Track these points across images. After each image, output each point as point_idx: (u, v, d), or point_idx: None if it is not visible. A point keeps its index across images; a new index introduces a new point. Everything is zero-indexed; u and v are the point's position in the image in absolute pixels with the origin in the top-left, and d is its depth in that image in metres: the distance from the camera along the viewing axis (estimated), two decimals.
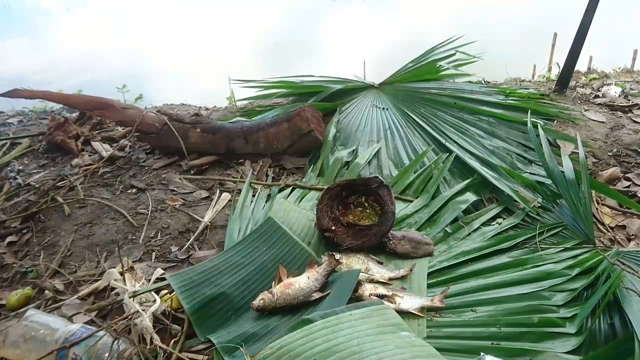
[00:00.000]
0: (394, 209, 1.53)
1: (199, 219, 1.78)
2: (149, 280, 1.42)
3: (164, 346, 1.16)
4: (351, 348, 0.90)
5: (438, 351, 0.97)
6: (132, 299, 1.27)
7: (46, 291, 1.44)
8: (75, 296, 1.40)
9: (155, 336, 1.19)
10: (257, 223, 1.66)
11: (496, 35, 5.10)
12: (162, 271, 1.48)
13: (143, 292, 1.30)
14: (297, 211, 1.69)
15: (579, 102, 2.78)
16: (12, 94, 2.25)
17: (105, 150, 2.38)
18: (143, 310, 1.24)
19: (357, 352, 0.88)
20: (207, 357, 1.17)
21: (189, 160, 2.20)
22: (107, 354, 1.10)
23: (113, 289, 1.39)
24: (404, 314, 1.17)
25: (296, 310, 1.22)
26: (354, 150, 2.19)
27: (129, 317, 1.22)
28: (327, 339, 0.93)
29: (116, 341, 1.12)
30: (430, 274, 1.41)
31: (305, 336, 0.97)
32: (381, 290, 1.27)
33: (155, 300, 1.27)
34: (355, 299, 1.24)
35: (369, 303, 1.08)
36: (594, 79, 3.28)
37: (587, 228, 1.60)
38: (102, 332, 1.15)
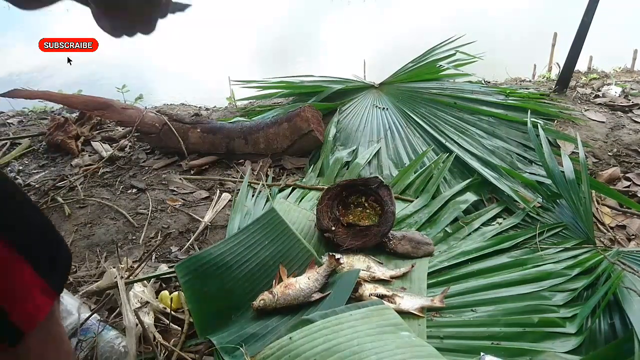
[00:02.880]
0: (394, 209, 1.53)
1: (199, 219, 1.78)
2: (148, 281, 1.42)
3: (166, 343, 1.16)
4: (351, 348, 0.90)
5: (438, 351, 0.97)
6: (129, 288, 1.27)
7: None
8: (78, 295, 1.40)
9: (158, 334, 1.19)
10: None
11: (496, 35, 5.09)
12: (166, 268, 1.47)
13: (141, 280, 1.30)
14: (297, 211, 1.69)
15: (579, 102, 2.78)
16: (12, 94, 2.25)
17: (105, 150, 2.38)
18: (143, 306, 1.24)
19: (357, 352, 0.88)
20: (207, 357, 1.17)
21: (189, 161, 2.21)
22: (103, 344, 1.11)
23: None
24: (404, 314, 1.17)
25: (296, 310, 1.22)
26: (354, 150, 2.19)
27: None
28: (327, 339, 0.93)
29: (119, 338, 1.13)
30: (430, 274, 1.41)
31: (305, 336, 0.97)
32: (381, 290, 1.27)
33: (143, 291, 1.27)
34: (355, 299, 1.24)
35: (369, 303, 1.08)
36: (594, 78, 3.28)
37: (587, 228, 1.60)
38: (108, 328, 1.16)
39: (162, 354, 1.15)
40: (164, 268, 1.46)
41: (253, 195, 1.87)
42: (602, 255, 1.45)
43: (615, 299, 1.25)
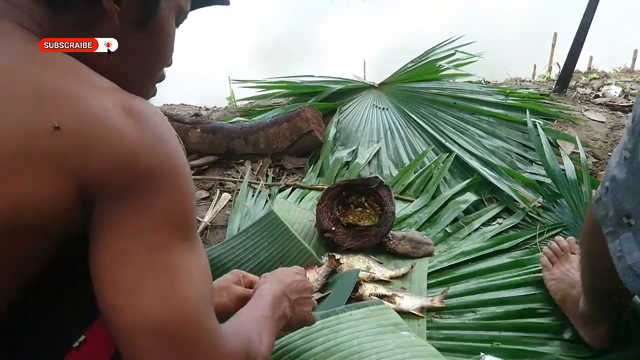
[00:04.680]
0: (394, 209, 1.53)
1: (199, 219, 1.78)
2: None
3: None
4: (351, 348, 0.90)
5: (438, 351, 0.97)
6: None
7: None
8: None
9: None
10: None
11: (496, 35, 5.09)
12: None
13: None
14: (297, 211, 1.69)
15: (579, 102, 2.78)
16: None
17: None
18: None
19: (357, 352, 0.88)
20: None
21: (189, 161, 2.20)
22: None
23: None
24: (403, 314, 1.17)
25: None
26: (354, 151, 2.19)
27: None
28: (327, 339, 0.93)
29: None
30: (430, 274, 1.41)
31: (305, 336, 0.97)
32: (381, 290, 1.27)
33: None
34: (355, 298, 1.24)
35: (369, 303, 1.08)
36: (594, 78, 3.28)
37: None
38: None
39: None
40: None
41: (253, 196, 1.87)
42: None
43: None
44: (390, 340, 0.94)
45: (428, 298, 1.26)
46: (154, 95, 0.71)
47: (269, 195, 1.89)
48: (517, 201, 1.77)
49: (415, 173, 1.95)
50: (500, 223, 1.68)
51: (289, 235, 1.46)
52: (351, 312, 1.03)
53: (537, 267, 1.42)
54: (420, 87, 2.67)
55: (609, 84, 3.06)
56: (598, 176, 2.05)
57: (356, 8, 7.90)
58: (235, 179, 2.06)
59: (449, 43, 2.91)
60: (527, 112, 2.23)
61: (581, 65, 3.30)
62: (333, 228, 1.51)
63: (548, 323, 1.20)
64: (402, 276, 1.38)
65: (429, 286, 1.36)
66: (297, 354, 0.93)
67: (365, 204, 1.64)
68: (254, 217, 1.72)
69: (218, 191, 1.97)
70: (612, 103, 2.72)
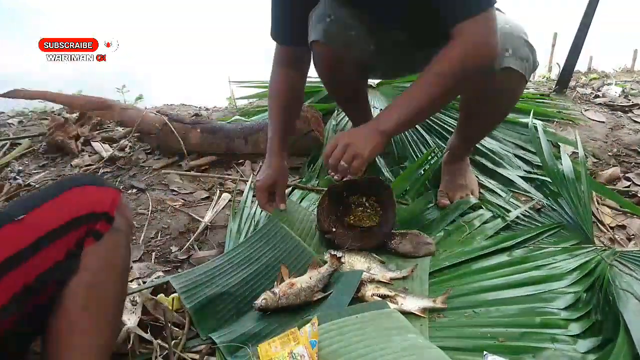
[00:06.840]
0: (394, 209, 1.53)
1: (199, 219, 1.78)
2: (144, 282, 1.41)
3: (165, 344, 1.16)
4: (358, 351, 0.90)
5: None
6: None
7: None
8: None
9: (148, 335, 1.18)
10: (258, 222, 1.66)
11: None
12: (161, 274, 1.47)
13: (134, 292, 1.29)
14: (297, 212, 1.68)
15: (579, 102, 2.78)
16: (12, 94, 2.25)
17: (105, 150, 2.38)
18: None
19: (363, 355, 0.89)
20: (209, 357, 1.17)
21: (189, 161, 2.20)
22: None
23: None
24: (405, 314, 1.17)
25: (298, 310, 1.22)
26: None
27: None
28: (333, 342, 0.94)
29: None
30: (431, 273, 1.41)
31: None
32: (383, 290, 1.27)
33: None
34: (358, 299, 1.24)
35: (375, 306, 1.07)
36: (594, 78, 3.29)
37: (586, 228, 1.60)
38: None
39: (159, 356, 1.15)
40: (159, 272, 1.46)
41: (254, 196, 1.87)
42: (600, 256, 1.45)
43: (612, 298, 1.25)
44: (397, 343, 0.94)
45: (430, 299, 1.26)
46: None
47: None
48: (516, 202, 1.78)
49: (415, 174, 1.95)
50: (499, 223, 1.68)
51: (290, 239, 1.47)
52: (357, 314, 1.03)
53: (537, 265, 1.43)
54: None
55: (609, 84, 3.07)
56: (597, 176, 2.05)
57: None
58: (236, 179, 2.06)
59: None
60: (531, 113, 2.22)
61: (581, 65, 3.31)
62: (334, 229, 1.51)
63: (549, 323, 1.20)
64: (403, 278, 1.38)
65: (430, 284, 1.36)
66: None
67: (366, 204, 1.63)
68: (255, 217, 1.72)
69: (218, 191, 1.97)
70: (612, 103, 2.73)
